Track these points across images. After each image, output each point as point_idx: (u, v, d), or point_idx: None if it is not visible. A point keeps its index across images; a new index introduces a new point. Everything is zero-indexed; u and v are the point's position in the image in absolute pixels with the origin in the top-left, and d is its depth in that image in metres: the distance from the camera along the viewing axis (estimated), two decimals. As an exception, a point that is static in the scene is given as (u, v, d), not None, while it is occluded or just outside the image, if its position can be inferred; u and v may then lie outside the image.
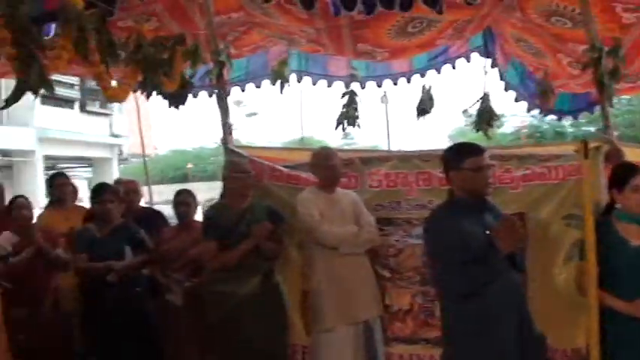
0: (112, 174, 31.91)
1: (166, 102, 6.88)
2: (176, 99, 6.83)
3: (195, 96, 7.38)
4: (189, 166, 52.25)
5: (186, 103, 6.92)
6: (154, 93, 6.35)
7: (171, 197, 7.19)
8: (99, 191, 6.69)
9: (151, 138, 38.18)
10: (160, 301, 6.70)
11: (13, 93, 3.86)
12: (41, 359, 6.27)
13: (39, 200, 16.95)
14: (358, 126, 8.80)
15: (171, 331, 6.62)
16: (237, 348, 5.83)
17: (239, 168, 6.03)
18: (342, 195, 6.00)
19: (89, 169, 36.77)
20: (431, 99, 8.75)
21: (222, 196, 6.23)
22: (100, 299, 6.34)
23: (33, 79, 3.80)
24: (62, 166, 30.30)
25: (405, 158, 6.24)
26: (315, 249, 5.89)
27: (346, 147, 36.89)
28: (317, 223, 5.78)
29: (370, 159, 6.35)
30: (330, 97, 9.40)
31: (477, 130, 8.38)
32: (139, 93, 6.28)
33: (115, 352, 6.35)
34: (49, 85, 3.95)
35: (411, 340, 6.15)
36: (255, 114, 63.87)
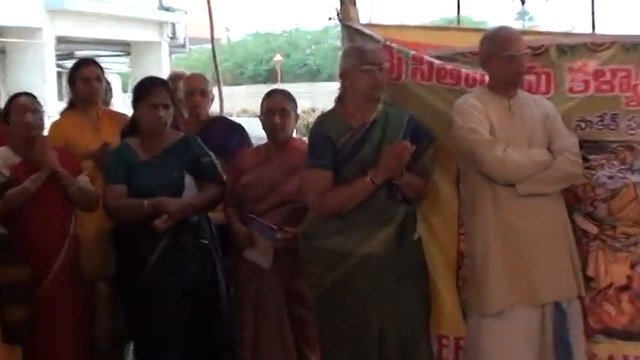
0: (161, 67, 32.40)
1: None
2: None
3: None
4: (278, 58, 52.39)
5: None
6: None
7: (251, 105, 7.15)
8: (146, 89, 6.62)
9: (221, 15, 38.25)
10: (235, 261, 6.78)
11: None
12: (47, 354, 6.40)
13: (48, 104, 17.12)
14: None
15: (251, 310, 6.62)
16: (354, 337, 5.91)
17: (367, 57, 5.93)
18: (528, 102, 5.88)
19: (125, 59, 37.42)
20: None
21: (338, 100, 6.19)
22: (142, 257, 6.38)
23: None
24: (83, 53, 30.81)
25: (631, 45, 6.05)
26: (480, 186, 5.81)
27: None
28: (485, 143, 5.65)
29: (574, 47, 6.18)
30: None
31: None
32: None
33: (161, 340, 6.44)
34: None
35: (629, 335, 6.08)
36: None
